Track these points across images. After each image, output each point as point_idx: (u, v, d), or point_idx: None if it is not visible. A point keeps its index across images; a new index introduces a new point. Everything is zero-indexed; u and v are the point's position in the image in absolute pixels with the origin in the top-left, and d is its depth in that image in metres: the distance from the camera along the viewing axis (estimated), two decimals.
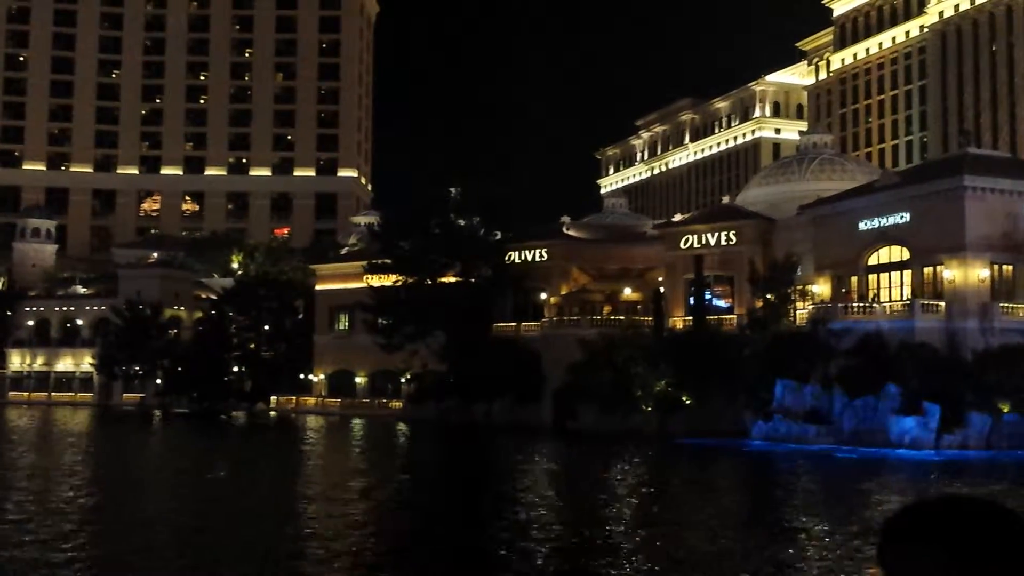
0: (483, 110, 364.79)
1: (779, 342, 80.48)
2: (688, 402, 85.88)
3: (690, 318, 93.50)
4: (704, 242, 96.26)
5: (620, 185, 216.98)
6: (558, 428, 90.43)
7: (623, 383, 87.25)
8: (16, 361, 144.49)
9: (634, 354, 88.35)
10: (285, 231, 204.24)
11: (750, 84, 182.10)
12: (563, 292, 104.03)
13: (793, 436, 74.59)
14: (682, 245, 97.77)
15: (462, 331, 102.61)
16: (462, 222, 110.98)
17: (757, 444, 75.31)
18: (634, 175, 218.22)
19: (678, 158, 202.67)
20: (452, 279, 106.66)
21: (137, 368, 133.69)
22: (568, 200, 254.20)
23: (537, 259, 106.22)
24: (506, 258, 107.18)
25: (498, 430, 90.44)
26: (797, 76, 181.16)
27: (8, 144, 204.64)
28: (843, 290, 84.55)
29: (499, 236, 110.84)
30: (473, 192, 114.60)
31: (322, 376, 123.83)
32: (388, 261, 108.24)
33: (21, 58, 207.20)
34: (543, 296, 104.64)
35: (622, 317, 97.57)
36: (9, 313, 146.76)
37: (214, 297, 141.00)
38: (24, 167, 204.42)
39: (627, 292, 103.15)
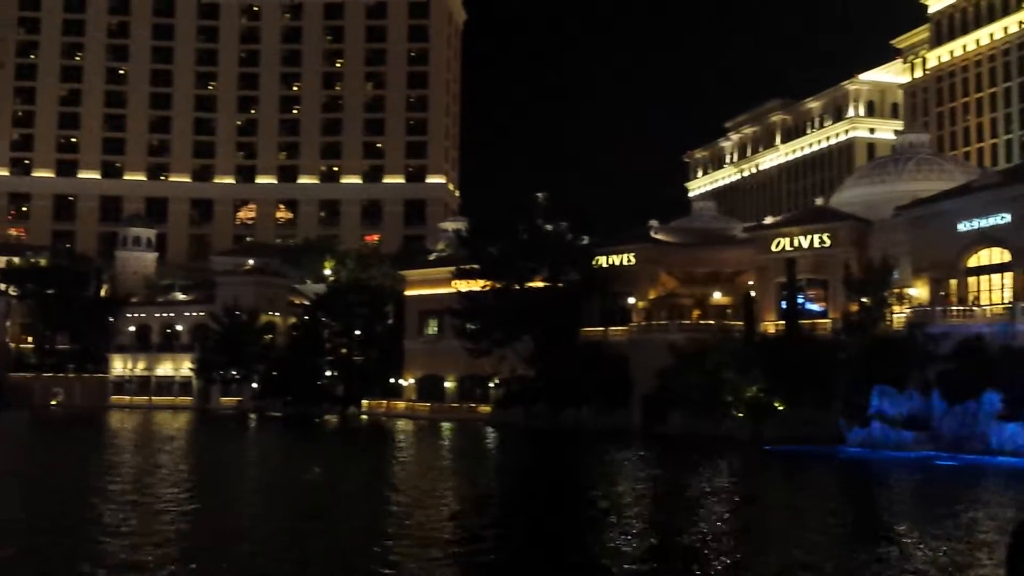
0: (570, 114, 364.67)
1: (876, 347, 78.56)
2: (781, 408, 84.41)
3: (782, 322, 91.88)
4: (796, 245, 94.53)
5: (709, 188, 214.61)
6: (647, 433, 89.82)
7: (713, 388, 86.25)
8: (118, 366, 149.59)
9: (724, 359, 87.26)
10: (375, 237, 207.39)
11: (843, 83, 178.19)
12: (651, 296, 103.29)
13: (891, 443, 72.66)
14: (774, 248, 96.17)
15: (550, 336, 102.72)
16: (549, 227, 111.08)
17: (853, 451, 73.55)
18: (723, 178, 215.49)
19: (768, 160, 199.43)
20: (540, 284, 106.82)
21: (234, 372, 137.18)
22: (656, 204, 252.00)
23: (625, 263, 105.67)
24: (593, 263, 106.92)
25: (586, 435, 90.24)
26: (892, 74, 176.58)
27: (110, 155, 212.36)
28: (941, 293, 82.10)
29: (586, 241, 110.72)
30: (560, 197, 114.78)
31: (412, 380, 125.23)
32: (476, 266, 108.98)
33: (121, 72, 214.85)
34: (631, 301, 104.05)
35: (712, 321, 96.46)
36: (112, 319, 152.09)
37: (307, 303, 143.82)
38: (125, 177, 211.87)
39: (716, 296, 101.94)
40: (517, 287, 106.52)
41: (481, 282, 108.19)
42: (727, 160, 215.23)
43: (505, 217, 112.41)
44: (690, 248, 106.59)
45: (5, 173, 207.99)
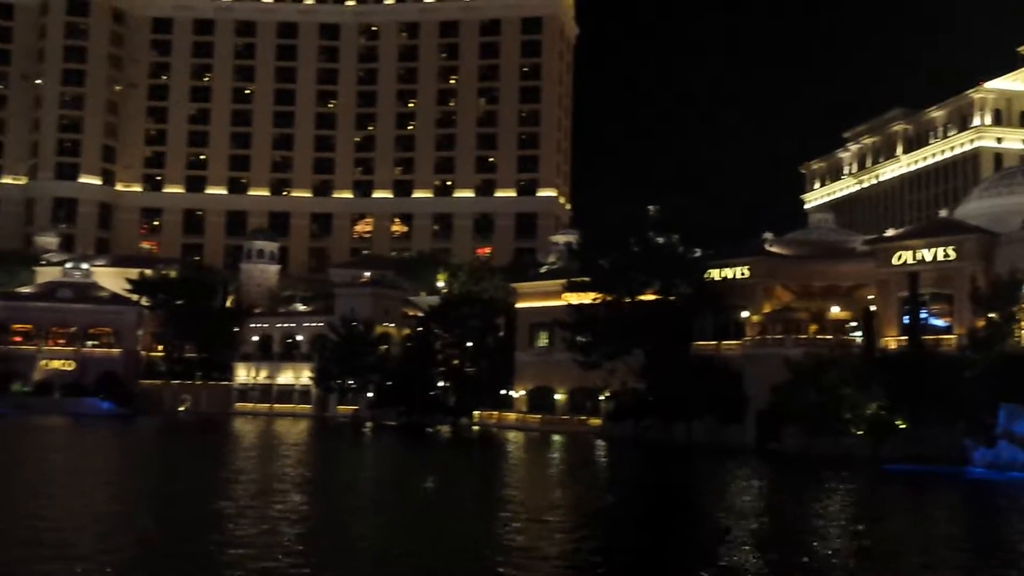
0: (682, 126, 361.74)
1: (1004, 364, 75.58)
2: (902, 426, 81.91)
3: (904, 338, 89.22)
4: (919, 258, 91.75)
5: (826, 200, 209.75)
6: (762, 450, 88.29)
7: (831, 405, 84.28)
8: (242, 374, 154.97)
9: (843, 375, 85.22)
10: (487, 250, 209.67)
11: (968, 92, 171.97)
12: (766, 310, 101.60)
13: (1019, 464, 69.73)
14: (895, 261, 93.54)
15: (661, 349, 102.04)
16: (661, 240, 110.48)
17: (979, 472, 70.85)
18: (841, 189, 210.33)
19: (889, 171, 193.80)
20: (651, 297, 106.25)
21: (351, 382, 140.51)
22: (771, 216, 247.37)
23: (738, 277, 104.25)
24: (706, 276, 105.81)
25: (698, 450, 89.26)
26: (1020, 82, 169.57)
27: (236, 172, 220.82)
28: None
29: (699, 253, 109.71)
30: (672, 209, 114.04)
31: (522, 392, 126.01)
32: (587, 279, 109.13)
33: (247, 91, 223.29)
34: (745, 314, 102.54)
35: (829, 336, 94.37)
36: (236, 329, 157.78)
37: (421, 315, 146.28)
38: (250, 193, 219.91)
39: (835, 310, 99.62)
40: (628, 300, 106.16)
41: (592, 295, 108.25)
42: (845, 171, 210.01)
43: (616, 230, 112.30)
44: (807, 261, 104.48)
45: (139, 189, 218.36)
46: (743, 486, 63.53)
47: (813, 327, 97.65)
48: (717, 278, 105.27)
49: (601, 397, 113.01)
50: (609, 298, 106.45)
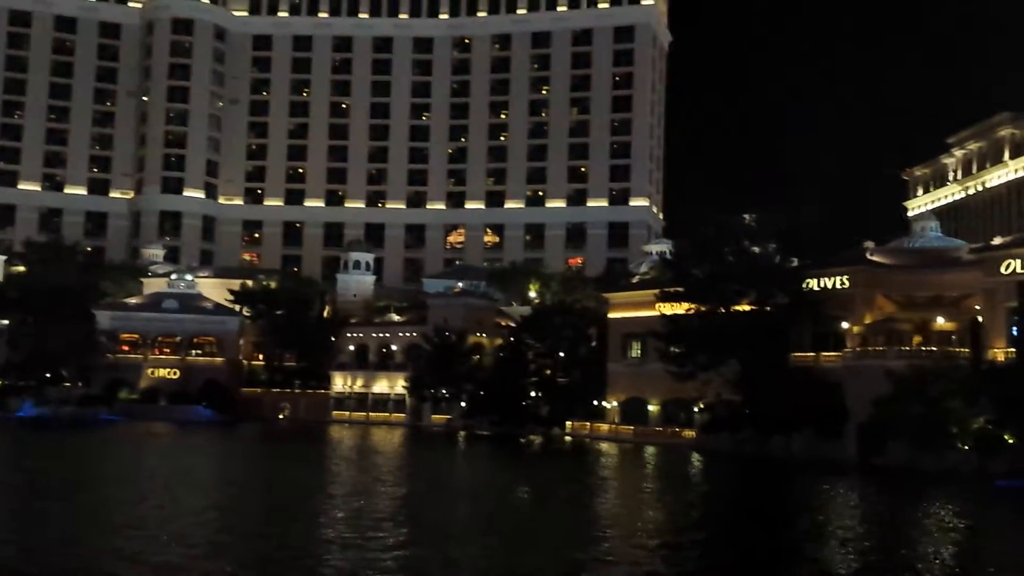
0: (778, 133, 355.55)
1: None
2: (1012, 441, 78.83)
3: (1013, 350, 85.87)
4: None
5: (930, 207, 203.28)
6: (863, 465, 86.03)
7: (936, 419, 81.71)
8: (339, 382, 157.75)
9: (949, 388, 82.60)
10: (579, 260, 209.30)
11: None
12: (867, 321, 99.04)
13: None
14: (1003, 271, 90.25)
15: (758, 361, 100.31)
16: (757, 249, 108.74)
17: None
18: (946, 196, 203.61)
19: (996, 177, 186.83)
20: (747, 307, 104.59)
21: (444, 391, 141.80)
22: (871, 224, 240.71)
23: (838, 287, 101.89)
24: (804, 285, 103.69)
25: (797, 464, 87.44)
26: None
27: (334, 185, 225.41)
28: None
29: (796, 263, 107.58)
30: (768, 218, 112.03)
31: (615, 403, 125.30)
32: (680, 289, 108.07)
33: (344, 105, 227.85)
34: (845, 325, 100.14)
35: (934, 348, 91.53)
36: (334, 339, 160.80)
37: (513, 325, 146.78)
38: (346, 205, 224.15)
39: (939, 321, 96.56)
40: (723, 310, 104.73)
41: (686, 305, 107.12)
42: (950, 177, 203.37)
43: (710, 239, 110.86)
44: (910, 270, 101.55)
45: (240, 202, 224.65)
46: (850, 504, 61.86)
47: (917, 338, 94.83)
48: (816, 288, 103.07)
49: (695, 409, 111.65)
50: (703, 308, 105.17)
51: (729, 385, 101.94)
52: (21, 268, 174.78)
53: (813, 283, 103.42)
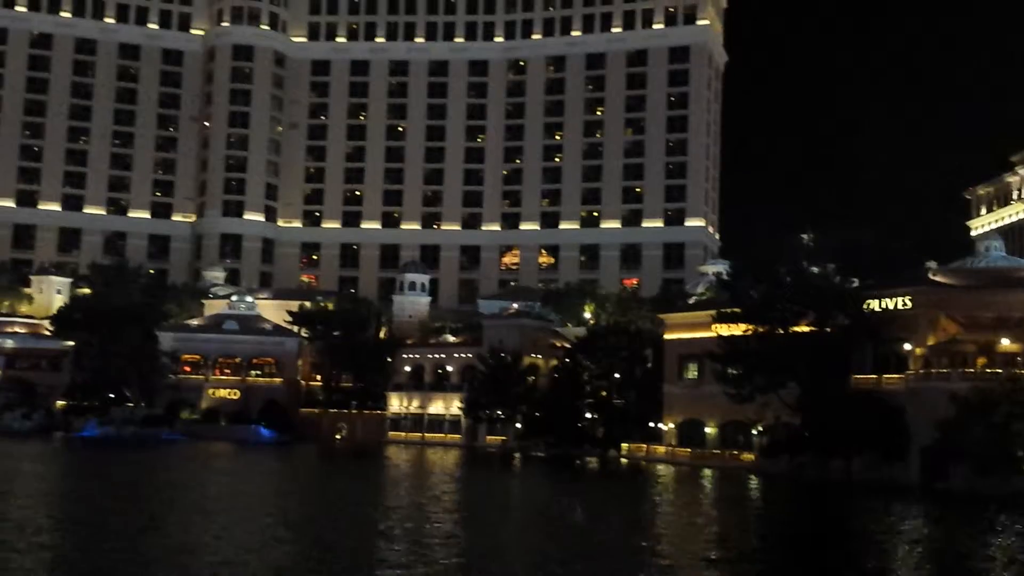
0: (836, 152, 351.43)
1: None
2: None
3: None
4: None
5: (994, 226, 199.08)
6: (926, 488, 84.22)
7: (1003, 442, 79.82)
8: (395, 403, 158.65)
9: (1015, 411, 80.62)
10: (634, 281, 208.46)
11: None
12: (930, 343, 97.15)
13: None
14: None
15: (817, 383, 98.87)
16: (815, 269, 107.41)
17: None
18: (1011, 215, 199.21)
19: None
20: (805, 328, 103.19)
21: (499, 412, 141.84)
22: (933, 244, 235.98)
23: (899, 307, 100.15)
24: (864, 307, 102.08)
25: (857, 488, 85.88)
26: None
27: (390, 207, 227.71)
28: None
29: (856, 283, 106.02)
30: (827, 238, 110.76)
31: (672, 425, 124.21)
32: (737, 310, 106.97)
33: (400, 128, 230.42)
34: (907, 347, 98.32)
35: (999, 370, 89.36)
36: (390, 360, 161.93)
37: (568, 346, 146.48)
38: (402, 227, 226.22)
39: (1005, 343, 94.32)
40: (781, 332, 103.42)
41: (743, 326, 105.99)
42: (1015, 196, 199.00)
43: (768, 259, 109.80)
44: (974, 291, 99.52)
45: (299, 225, 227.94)
46: (920, 531, 60.52)
47: (981, 360, 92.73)
48: (877, 309, 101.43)
49: (754, 431, 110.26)
50: (761, 329, 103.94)
51: (788, 407, 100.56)
52: (86, 290, 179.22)
53: (874, 304, 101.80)
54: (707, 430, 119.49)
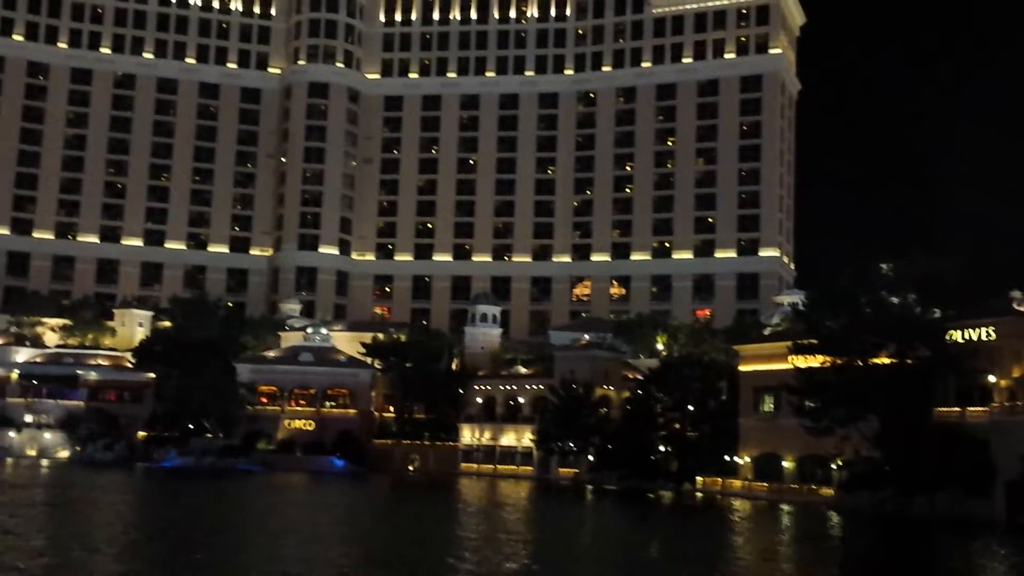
0: (915, 178, 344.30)
1: None
2: None
3: None
4: None
5: None
6: (1011, 525, 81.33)
7: None
8: (467, 435, 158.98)
9: None
10: (707, 312, 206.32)
11: None
12: (1015, 375, 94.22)
13: None
14: None
15: (898, 416, 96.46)
16: (895, 299, 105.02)
17: None
18: None
19: None
20: (885, 360, 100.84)
21: (571, 444, 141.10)
22: (1018, 274, 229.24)
23: (983, 338, 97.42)
24: (947, 337, 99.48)
25: (940, 524, 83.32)
26: None
27: (461, 239, 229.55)
28: None
29: (937, 314, 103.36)
30: (906, 267, 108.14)
31: (748, 459, 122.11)
32: (815, 341, 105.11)
33: (471, 161, 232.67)
34: (991, 379, 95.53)
35: None
36: (461, 391, 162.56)
37: (640, 377, 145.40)
38: (473, 259, 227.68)
39: None
40: (860, 363, 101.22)
41: (821, 358, 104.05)
42: None
43: (845, 289, 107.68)
44: None
45: (372, 257, 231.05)
46: (1004, 570, 58.52)
47: None
48: (959, 340, 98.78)
49: (833, 466, 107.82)
50: (839, 361, 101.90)
51: (868, 441, 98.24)
52: (167, 323, 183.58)
53: (956, 335, 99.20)
54: (784, 464, 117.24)
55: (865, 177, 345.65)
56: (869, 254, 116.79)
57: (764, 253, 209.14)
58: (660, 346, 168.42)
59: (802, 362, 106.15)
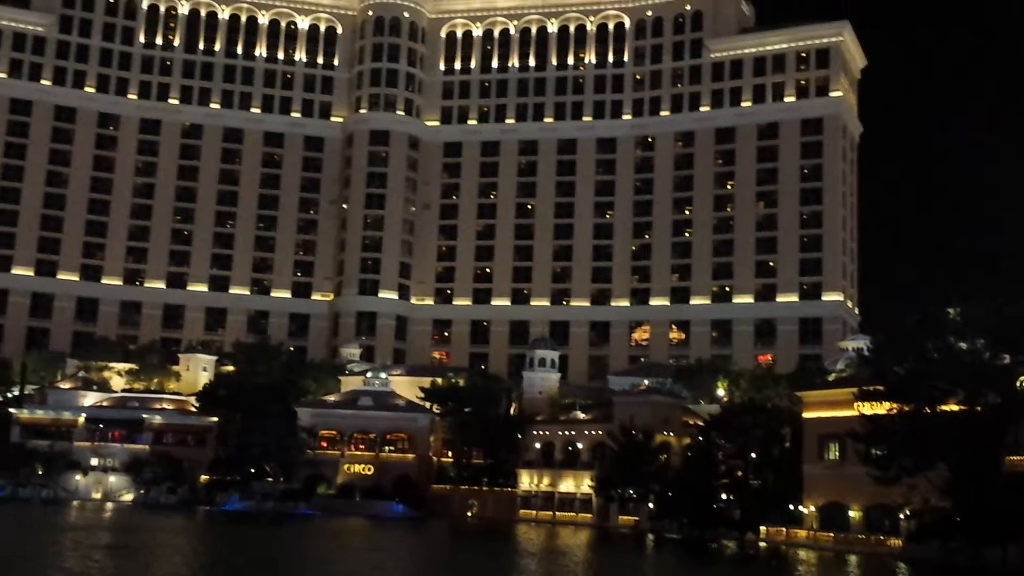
0: (984, 221, 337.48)
1: None
2: None
3: None
4: None
5: None
6: None
7: None
8: (525, 480, 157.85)
9: None
10: (769, 357, 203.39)
11: None
12: None
13: None
14: None
15: (968, 464, 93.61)
16: (964, 345, 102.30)
17: None
18: None
19: None
20: (954, 407, 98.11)
21: (631, 491, 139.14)
22: None
23: None
24: (1018, 384, 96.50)
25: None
26: None
27: (519, 283, 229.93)
28: None
29: (1008, 359, 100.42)
30: (975, 311, 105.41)
31: (812, 508, 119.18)
32: (881, 388, 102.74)
33: (529, 206, 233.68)
34: None
35: None
36: (520, 436, 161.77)
37: (701, 423, 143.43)
38: (532, 303, 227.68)
39: None
40: (928, 410, 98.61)
41: (887, 404, 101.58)
42: None
43: (912, 334, 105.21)
44: None
45: (431, 302, 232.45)
46: None
47: None
48: None
49: (901, 515, 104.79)
50: (907, 408, 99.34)
51: (938, 490, 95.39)
52: (230, 368, 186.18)
53: None
54: (851, 513, 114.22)
55: (931, 219, 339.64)
56: (936, 298, 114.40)
57: (827, 297, 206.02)
58: (721, 392, 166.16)
59: (868, 409, 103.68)
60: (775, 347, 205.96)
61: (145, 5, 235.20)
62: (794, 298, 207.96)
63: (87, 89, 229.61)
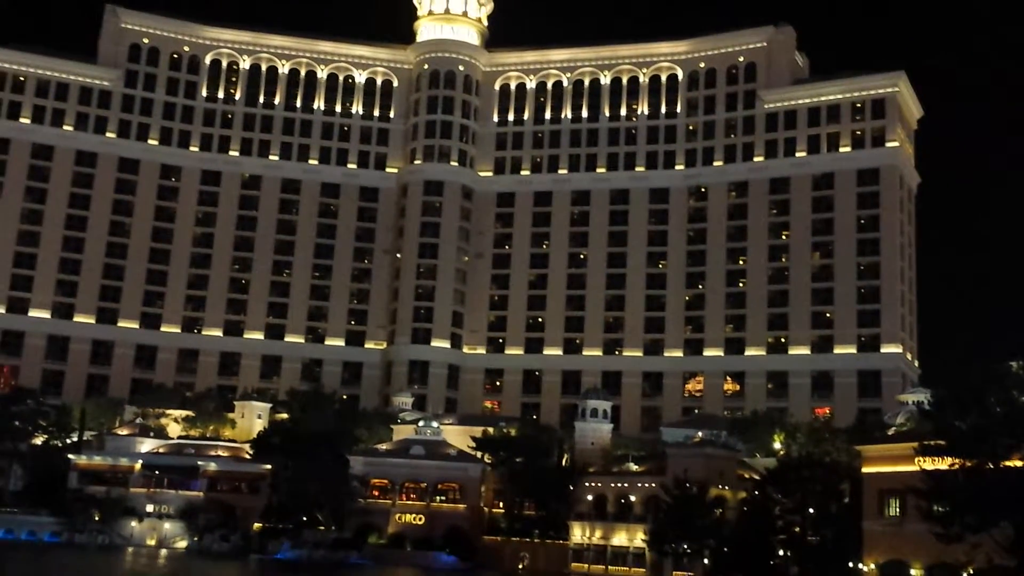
0: None
1: None
2: None
3: None
4: None
5: None
6: None
7: None
8: (577, 533, 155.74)
9: None
10: (826, 410, 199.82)
11: None
12: None
13: None
14: None
15: None
16: None
17: None
18: None
19: None
20: (1019, 463, 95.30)
21: (685, 546, 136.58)
22: None
23: None
24: None
25: None
26: None
27: (571, 333, 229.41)
28: None
29: None
30: None
31: (873, 565, 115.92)
32: (942, 443, 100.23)
33: (582, 256, 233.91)
34: None
35: None
36: (572, 488, 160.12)
37: (757, 477, 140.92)
38: (584, 353, 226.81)
39: None
40: (991, 466, 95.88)
41: (949, 460, 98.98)
42: None
43: (974, 388, 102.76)
44: None
45: (483, 351, 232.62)
46: None
47: None
48: None
49: (964, 574, 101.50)
50: (969, 464, 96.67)
51: (1003, 549, 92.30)
52: (284, 415, 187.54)
53: None
54: (913, 572, 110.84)
55: (994, 269, 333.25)
56: (999, 350, 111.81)
57: (886, 349, 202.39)
58: (777, 445, 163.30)
59: (930, 464, 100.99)
60: (833, 400, 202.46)
61: (208, 60, 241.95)
62: (852, 350, 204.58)
63: (150, 142, 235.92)
